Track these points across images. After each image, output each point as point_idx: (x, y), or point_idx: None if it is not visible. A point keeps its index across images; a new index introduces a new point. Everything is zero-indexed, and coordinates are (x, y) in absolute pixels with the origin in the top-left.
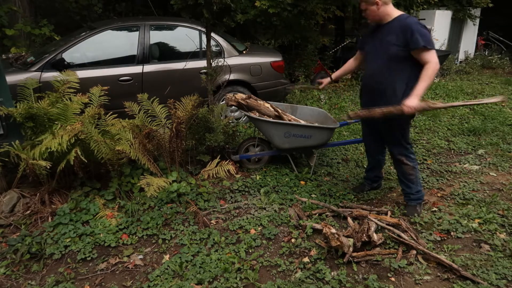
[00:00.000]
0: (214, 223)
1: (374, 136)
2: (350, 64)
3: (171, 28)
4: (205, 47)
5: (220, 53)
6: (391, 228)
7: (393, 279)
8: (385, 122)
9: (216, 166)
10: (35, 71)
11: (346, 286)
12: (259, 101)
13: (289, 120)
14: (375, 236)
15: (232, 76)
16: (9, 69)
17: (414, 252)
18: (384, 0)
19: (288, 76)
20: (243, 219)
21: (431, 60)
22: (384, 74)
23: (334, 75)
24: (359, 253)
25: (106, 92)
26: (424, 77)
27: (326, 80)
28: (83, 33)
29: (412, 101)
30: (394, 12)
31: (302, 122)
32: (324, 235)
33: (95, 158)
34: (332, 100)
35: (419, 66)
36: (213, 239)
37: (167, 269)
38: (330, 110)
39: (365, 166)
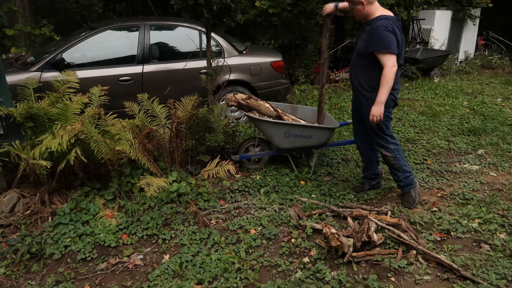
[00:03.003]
0: (214, 223)
1: (362, 133)
2: None
3: (171, 28)
4: (205, 47)
5: (220, 53)
6: (391, 228)
7: (393, 279)
8: (365, 114)
9: (216, 166)
10: (35, 71)
11: (346, 286)
12: (259, 101)
13: (289, 120)
14: (375, 236)
15: (232, 76)
16: (9, 69)
17: (414, 252)
18: (369, 0)
19: (288, 76)
20: (243, 219)
21: (386, 64)
22: (354, 70)
23: (342, 4)
24: (359, 253)
25: (106, 92)
26: (382, 83)
27: (332, 8)
28: (83, 33)
29: (376, 109)
30: (377, 12)
31: (302, 122)
32: (324, 235)
33: (95, 158)
34: (332, 100)
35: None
36: (213, 239)
37: (167, 269)
38: (330, 110)
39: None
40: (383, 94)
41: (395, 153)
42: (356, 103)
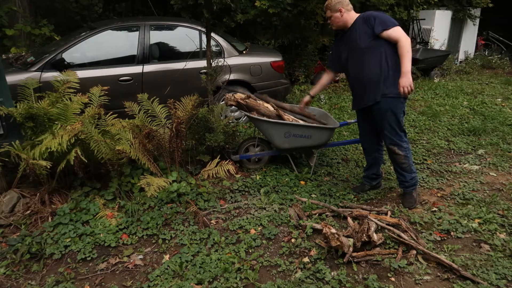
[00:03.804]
0: (214, 223)
1: (370, 133)
2: (325, 79)
3: (171, 28)
4: (205, 47)
5: (220, 53)
6: (391, 228)
7: (393, 279)
8: (379, 110)
9: (216, 166)
10: (35, 71)
11: (346, 286)
12: (258, 101)
13: (289, 120)
14: (375, 236)
15: (232, 76)
16: (9, 69)
17: (414, 252)
18: (347, 8)
19: (288, 76)
20: (243, 219)
21: (400, 36)
22: (363, 68)
23: (313, 91)
24: (359, 253)
25: (106, 92)
26: (403, 54)
27: (307, 98)
28: (83, 33)
29: (405, 80)
30: (354, 16)
31: (302, 122)
32: (324, 235)
33: (95, 158)
34: (332, 100)
35: (390, 45)
36: (213, 239)
37: (167, 269)
38: (330, 110)
39: (365, 166)
40: (407, 64)
41: (407, 152)
42: (365, 102)
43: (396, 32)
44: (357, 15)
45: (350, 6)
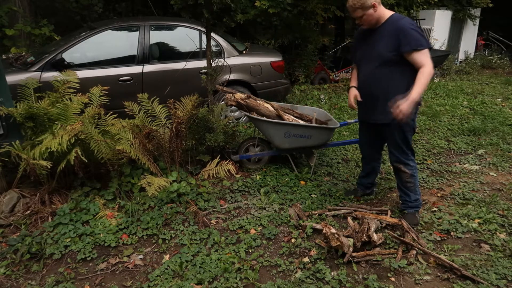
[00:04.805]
0: (214, 223)
1: (371, 143)
2: (355, 72)
3: (171, 28)
4: (205, 47)
5: (220, 53)
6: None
7: (393, 279)
8: (386, 125)
9: (216, 166)
10: (35, 71)
11: (346, 286)
12: (258, 101)
13: (289, 120)
14: (375, 236)
15: (232, 76)
16: (9, 69)
17: (414, 252)
18: (379, 1)
19: (288, 76)
20: (243, 219)
21: (425, 63)
22: (377, 80)
23: (353, 84)
24: (359, 253)
25: (106, 92)
26: (418, 81)
27: (353, 93)
28: (83, 33)
29: (407, 107)
30: (386, 13)
31: (302, 122)
32: (324, 235)
33: (95, 158)
34: (332, 100)
35: (415, 71)
36: (213, 239)
37: (167, 269)
38: (330, 110)
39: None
40: (418, 92)
41: (414, 171)
42: (372, 115)
43: (423, 58)
44: (390, 13)
45: None
